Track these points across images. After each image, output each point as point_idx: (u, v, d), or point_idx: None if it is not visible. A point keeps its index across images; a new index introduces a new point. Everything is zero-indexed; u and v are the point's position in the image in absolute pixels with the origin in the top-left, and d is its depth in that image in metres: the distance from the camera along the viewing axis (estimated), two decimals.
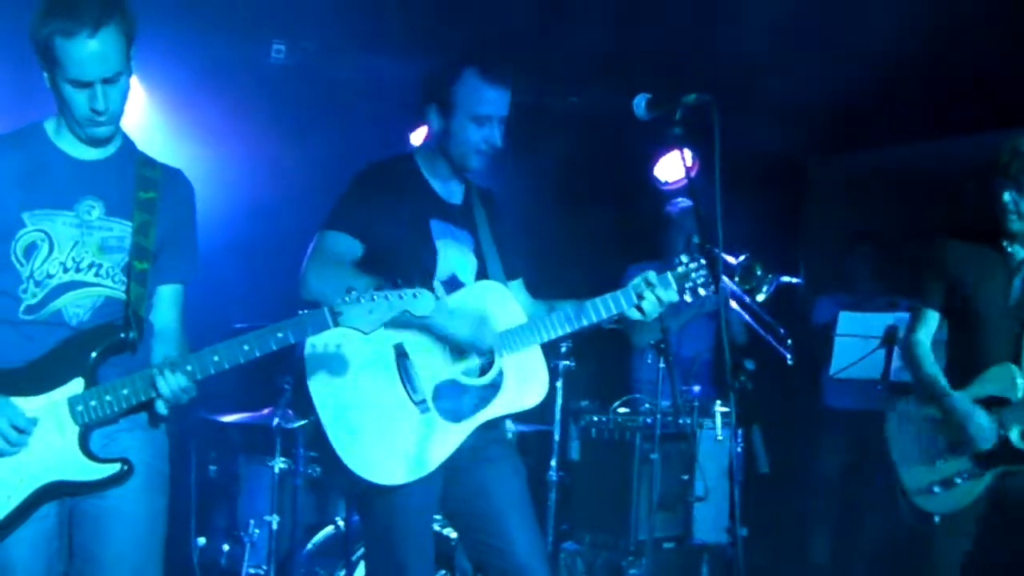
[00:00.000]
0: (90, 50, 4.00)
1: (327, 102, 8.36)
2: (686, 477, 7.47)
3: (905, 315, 7.49)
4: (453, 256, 4.90)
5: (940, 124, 8.70)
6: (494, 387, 4.81)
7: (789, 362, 7.47)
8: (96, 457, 4.12)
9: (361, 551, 6.48)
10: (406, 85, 8.45)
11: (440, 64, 4.90)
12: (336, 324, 4.11)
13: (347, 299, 4.09)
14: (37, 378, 4.11)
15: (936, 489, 5.58)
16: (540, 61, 7.34)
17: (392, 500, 4.65)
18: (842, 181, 10.14)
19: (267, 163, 8.15)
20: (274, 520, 6.89)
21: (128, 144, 4.41)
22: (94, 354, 4.12)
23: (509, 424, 5.11)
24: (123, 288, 4.23)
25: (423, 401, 4.68)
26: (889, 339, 7.38)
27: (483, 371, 4.82)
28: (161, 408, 4.13)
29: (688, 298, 4.87)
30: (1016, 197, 5.49)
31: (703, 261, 4.82)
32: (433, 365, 4.74)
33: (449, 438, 4.71)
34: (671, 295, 4.79)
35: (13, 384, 4.09)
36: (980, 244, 5.71)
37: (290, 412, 6.87)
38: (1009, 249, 5.65)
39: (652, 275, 4.79)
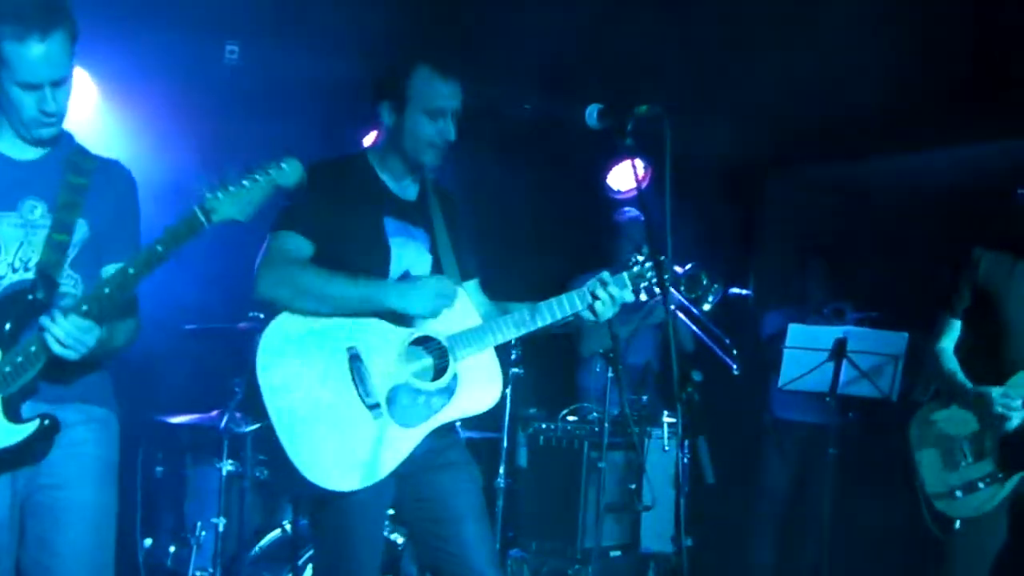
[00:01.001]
0: (40, 53, 4.06)
1: (279, 103, 8.32)
2: (633, 486, 7.48)
3: (854, 328, 7.60)
4: (407, 254, 4.87)
5: (895, 138, 8.73)
6: (448, 391, 4.75)
7: (735, 372, 7.49)
8: (20, 419, 4.11)
9: (308, 555, 6.49)
10: (359, 87, 8.48)
11: (391, 61, 4.90)
12: (210, 221, 4.05)
13: (216, 192, 4.03)
14: None
15: (958, 494, 5.59)
16: (492, 65, 7.31)
17: (343, 506, 4.61)
18: (794, 193, 10.18)
19: (219, 163, 8.11)
20: (221, 522, 6.86)
21: (65, 139, 4.44)
22: (10, 321, 4.10)
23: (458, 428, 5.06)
24: (71, 283, 4.28)
25: (376, 405, 4.63)
26: (838, 352, 7.42)
27: (437, 374, 4.76)
28: (66, 354, 4.05)
29: (643, 297, 4.87)
30: None
31: (661, 259, 4.75)
32: (386, 368, 4.68)
33: (402, 443, 4.66)
34: (626, 294, 4.80)
35: None
36: (1012, 254, 5.75)
37: (240, 416, 6.85)
38: None
39: (606, 274, 4.80)
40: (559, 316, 4.81)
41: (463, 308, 4.88)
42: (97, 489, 4.33)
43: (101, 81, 7.71)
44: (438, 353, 4.77)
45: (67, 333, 4.01)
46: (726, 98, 8.16)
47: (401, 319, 4.70)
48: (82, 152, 4.44)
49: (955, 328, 5.88)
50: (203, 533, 6.90)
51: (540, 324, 4.81)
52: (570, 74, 7.91)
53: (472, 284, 5.12)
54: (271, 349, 4.61)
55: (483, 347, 4.81)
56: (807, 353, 7.55)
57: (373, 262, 4.75)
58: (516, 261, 8.39)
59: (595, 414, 7.82)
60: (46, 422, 4.12)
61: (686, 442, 6.96)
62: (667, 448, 7.59)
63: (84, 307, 4.03)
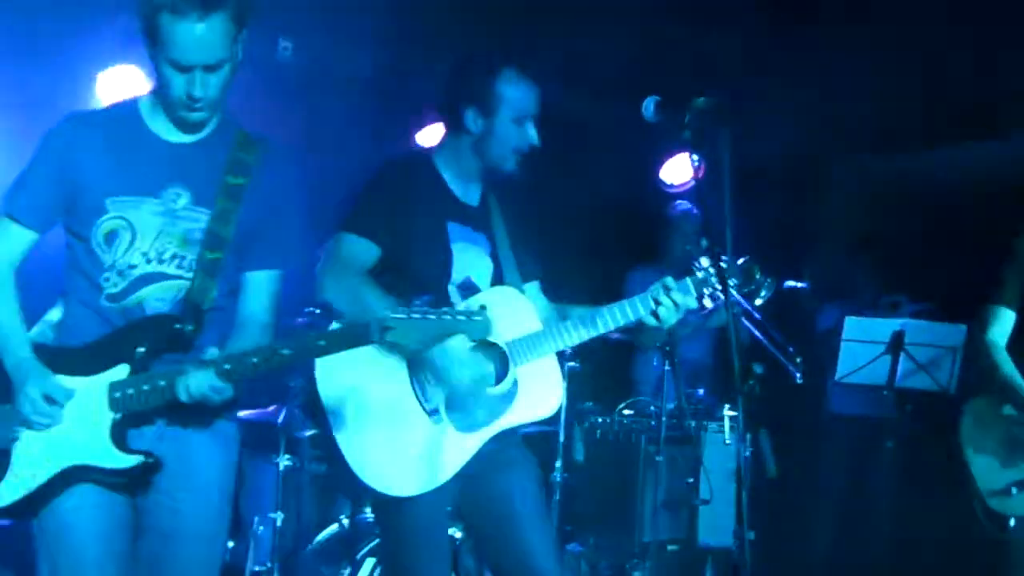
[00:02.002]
0: (195, 34, 3.82)
1: (334, 99, 8.35)
2: (691, 480, 7.45)
3: (911, 320, 7.55)
4: (469, 259, 4.81)
5: (950, 132, 8.68)
6: (508, 396, 4.69)
7: (798, 380, 7.44)
8: (126, 447, 3.99)
9: (366, 549, 6.50)
10: (412, 83, 8.53)
11: (476, 65, 4.77)
12: (383, 340, 3.87)
13: (400, 314, 3.82)
14: (89, 359, 4.01)
15: (1014, 491, 5.46)
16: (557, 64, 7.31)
17: (405, 511, 4.58)
18: (850, 186, 10.11)
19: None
20: (278, 517, 6.90)
21: (226, 124, 4.20)
22: (146, 345, 3.99)
23: None
24: (203, 280, 4.10)
25: (435, 411, 4.58)
26: (895, 345, 7.38)
27: (498, 380, 4.68)
28: (185, 399, 3.94)
29: (708, 304, 4.79)
30: None
31: (723, 265, 4.68)
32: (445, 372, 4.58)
33: (462, 449, 4.62)
34: (689, 301, 4.72)
35: (65, 362, 4.02)
36: None
37: (298, 414, 6.87)
38: None
39: (670, 280, 4.71)
40: (621, 322, 4.73)
41: (523, 312, 4.83)
42: (213, 505, 4.22)
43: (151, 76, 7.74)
44: (499, 359, 4.69)
45: (199, 389, 3.90)
46: (780, 91, 8.11)
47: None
48: (245, 141, 4.20)
49: (1006, 317, 5.67)
50: (260, 528, 6.95)
51: (602, 330, 4.73)
52: (623, 71, 7.89)
53: (533, 286, 5.06)
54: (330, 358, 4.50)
55: (544, 352, 4.75)
56: (864, 346, 7.51)
57: (434, 267, 4.70)
58: (567, 256, 8.39)
59: (652, 408, 7.80)
60: (149, 460, 4.01)
61: (747, 435, 6.99)
62: (728, 442, 7.53)
63: (226, 366, 3.90)
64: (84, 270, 4.08)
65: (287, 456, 6.95)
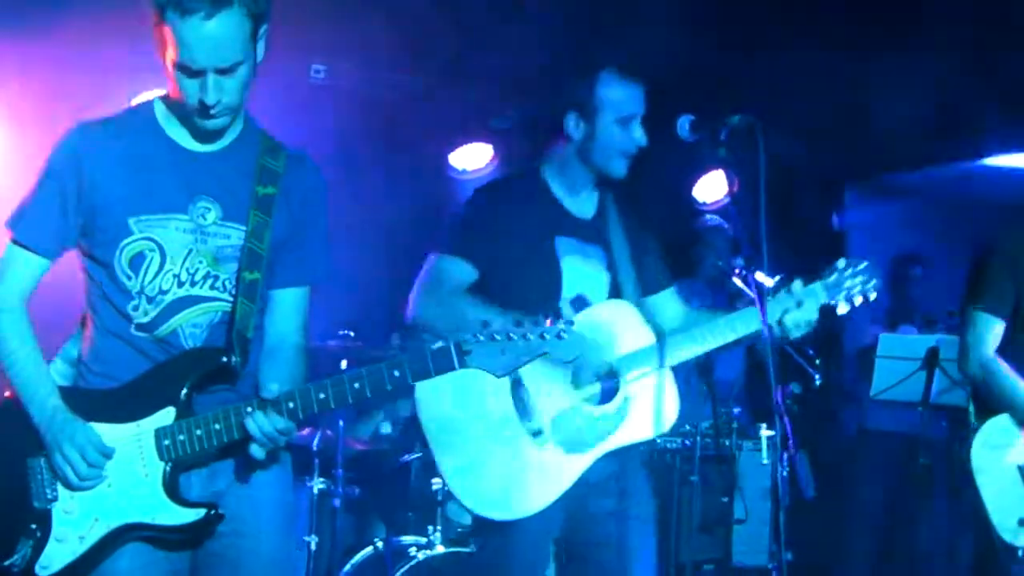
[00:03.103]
0: (205, 34, 3.43)
1: (367, 122, 8.37)
2: (726, 499, 7.42)
3: (946, 336, 7.50)
4: (581, 274, 4.65)
5: (985, 144, 8.65)
6: (619, 415, 4.52)
7: (817, 382, 7.39)
8: (182, 499, 3.61)
9: (400, 572, 6.49)
10: (444, 106, 8.55)
11: (575, 71, 4.73)
12: (463, 365, 3.54)
13: (480, 336, 3.53)
14: (128, 403, 3.62)
15: None
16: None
17: (503, 534, 4.44)
18: (882, 202, 10.09)
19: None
20: (312, 541, 6.89)
21: (249, 129, 3.83)
22: (189, 381, 3.62)
23: None
24: (245, 305, 3.73)
25: (539, 432, 4.44)
26: (930, 361, 7.33)
27: (606, 397, 4.54)
28: (256, 451, 3.60)
29: (844, 308, 4.64)
30: None
31: (860, 267, 4.65)
32: (552, 392, 4.48)
33: (567, 470, 4.45)
34: (812, 309, 4.58)
35: (102, 407, 3.63)
36: None
37: (331, 434, 6.87)
38: None
39: (797, 284, 4.60)
40: (741, 333, 4.59)
41: (635, 327, 4.65)
42: (276, 537, 3.85)
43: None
44: (608, 376, 4.56)
45: (264, 432, 3.56)
46: (808, 108, 8.10)
47: None
48: (271, 147, 3.84)
49: (994, 328, 5.30)
50: (295, 552, 6.92)
51: (719, 342, 4.58)
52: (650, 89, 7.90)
53: (664, 295, 4.89)
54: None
55: (655, 367, 4.58)
56: (899, 362, 7.45)
57: (541, 285, 4.56)
58: None
59: (687, 427, 7.76)
60: (212, 512, 3.62)
61: (784, 455, 6.93)
62: (765, 462, 7.49)
63: (290, 404, 3.55)
64: (109, 298, 3.68)
65: (321, 479, 6.94)
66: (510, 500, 4.40)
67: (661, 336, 4.65)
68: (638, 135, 4.63)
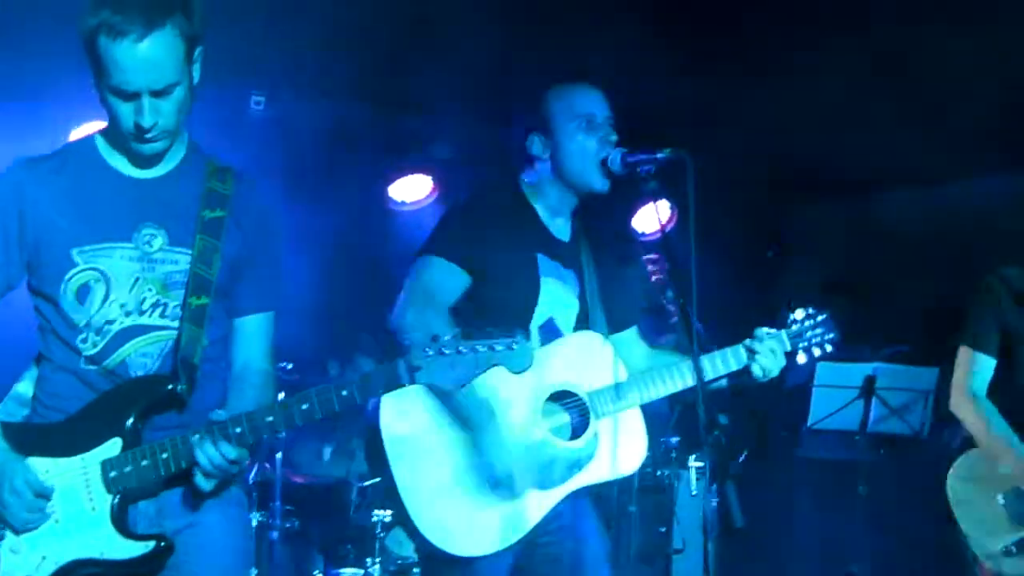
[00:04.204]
0: (137, 56, 3.36)
1: (308, 152, 8.36)
2: (663, 529, 7.45)
3: (883, 364, 7.55)
4: (556, 297, 4.51)
5: (918, 172, 8.73)
6: (588, 451, 4.36)
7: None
8: (130, 532, 3.50)
9: None
10: (386, 134, 8.56)
11: (525, 97, 4.64)
12: (413, 381, 3.45)
13: (428, 351, 3.42)
14: (73, 436, 3.52)
15: (1012, 549, 5.11)
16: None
17: (465, 571, 4.23)
18: (817, 230, 10.16)
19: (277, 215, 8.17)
20: (252, 573, 6.84)
21: (194, 153, 3.75)
22: (135, 411, 3.51)
23: None
24: (191, 331, 3.62)
25: None
26: (867, 389, 7.38)
27: (575, 433, 4.39)
28: (202, 482, 3.49)
29: (802, 359, 4.55)
30: None
31: (820, 318, 4.57)
32: (521, 424, 4.29)
33: (535, 506, 4.28)
34: (781, 352, 4.47)
35: (47, 441, 3.53)
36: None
37: (269, 469, 6.85)
38: None
39: (763, 331, 4.49)
40: (712, 374, 4.44)
41: (607, 361, 4.48)
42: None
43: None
44: (578, 410, 4.41)
45: (212, 461, 3.45)
46: (742, 137, 8.16)
47: (538, 373, 4.28)
48: (219, 171, 3.75)
49: (985, 366, 5.31)
50: None
51: (692, 381, 4.28)
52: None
53: (628, 334, 4.74)
54: (395, 398, 4.20)
55: (627, 405, 4.44)
56: (836, 391, 7.50)
57: (520, 299, 4.40)
58: None
59: None
60: (161, 544, 3.51)
61: (714, 486, 6.96)
62: (694, 493, 7.53)
63: (236, 430, 3.45)
64: (58, 332, 3.61)
65: (259, 512, 6.91)
66: (475, 535, 4.21)
67: (646, 368, 4.56)
68: (605, 133, 4.48)
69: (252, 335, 3.81)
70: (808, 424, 7.61)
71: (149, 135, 3.50)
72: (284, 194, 8.08)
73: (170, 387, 3.56)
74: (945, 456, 5.49)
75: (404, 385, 3.48)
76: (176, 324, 3.61)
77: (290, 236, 7.71)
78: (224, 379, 3.77)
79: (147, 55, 3.38)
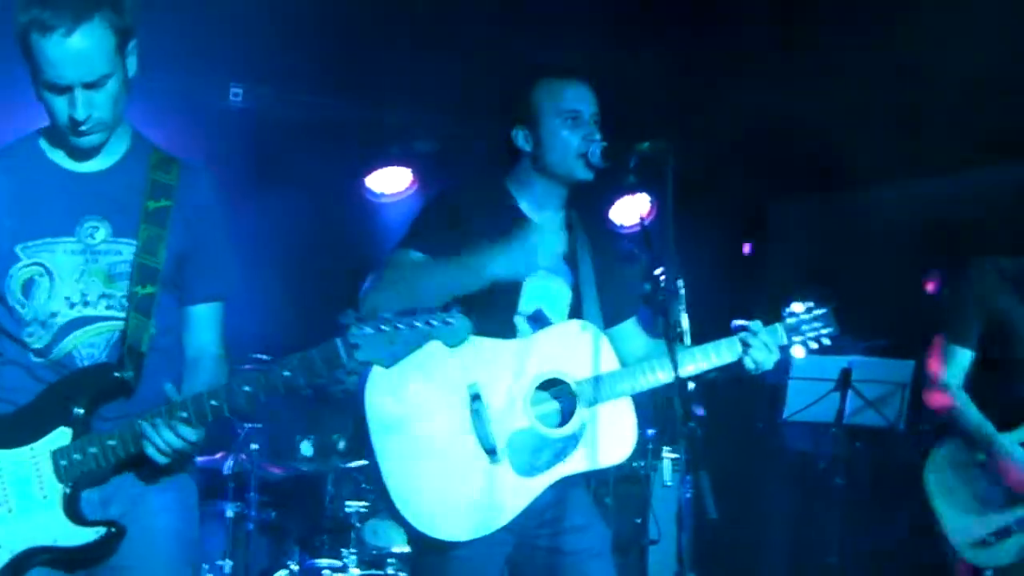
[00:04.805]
0: (67, 49, 3.42)
1: (285, 145, 8.36)
2: (639, 520, 7.46)
3: (858, 357, 7.57)
4: (542, 289, 4.47)
5: (900, 167, 8.76)
6: (574, 440, 4.31)
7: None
8: (82, 519, 3.54)
9: None
10: (362, 128, 8.56)
11: (510, 90, 4.60)
12: (352, 359, 3.45)
13: (366, 328, 3.43)
14: (22, 426, 3.56)
15: (991, 540, 5.10)
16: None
17: (448, 557, 4.19)
18: (797, 225, 10.19)
19: (226, 205, 8.16)
20: (227, 565, 6.86)
21: (139, 144, 3.79)
22: (84, 400, 3.55)
23: None
24: (137, 320, 3.65)
25: (494, 450, 4.21)
26: (843, 382, 7.39)
27: (564, 420, 4.35)
28: (155, 455, 3.50)
29: (800, 352, 4.57)
30: None
31: (820, 312, 4.57)
32: (509, 410, 4.27)
33: (520, 493, 4.23)
34: (774, 347, 4.46)
35: None
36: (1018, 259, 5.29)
37: (245, 460, 6.85)
38: None
39: (757, 324, 4.46)
40: (705, 366, 4.45)
41: (600, 351, 4.44)
42: (176, 562, 3.73)
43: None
44: (567, 398, 4.36)
45: (167, 444, 3.48)
46: (724, 131, 8.17)
47: (528, 360, 4.32)
48: (163, 161, 3.79)
49: (962, 358, 5.28)
50: None
51: (683, 373, 4.30)
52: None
53: (627, 325, 4.70)
54: (382, 381, 4.19)
55: (618, 394, 4.40)
56: (812, 383, 7.51)
57: (501, 295, 4.31)
58: None
59: None
60: (112, 530, 3.55)
61: (688, 477, 6.96)
62: (669, 483, 7.54)
63: (182, 414, 3.48)
64: (5, 328, 3.66)
65: (235, 503, 6.91)
66: (458, 520, 4.16)
67: (645, 358, 4.51)
68: (588, 131, 4.45)
69: (203, 323, 3.87)
70: (784, 416, 7.61)
71: (84, 127, 3.54)
72: (261, 185, 8.13)
73: (117, 375, 3.61)
74: (920, 448, 5.50)
75: (344, 364, 3.47)
76: (123, 314, 3.66)
77: (268, 228, 7.79)
78: (174, 368, 3.80)
79: (77, 48, 3.43)
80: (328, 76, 8.00)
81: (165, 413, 3.49)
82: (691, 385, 4.44)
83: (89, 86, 3.47)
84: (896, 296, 8.55)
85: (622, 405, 4.44)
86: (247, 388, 3.51)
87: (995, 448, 5.16)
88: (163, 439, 3.48)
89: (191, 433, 3.50)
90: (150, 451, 3.50)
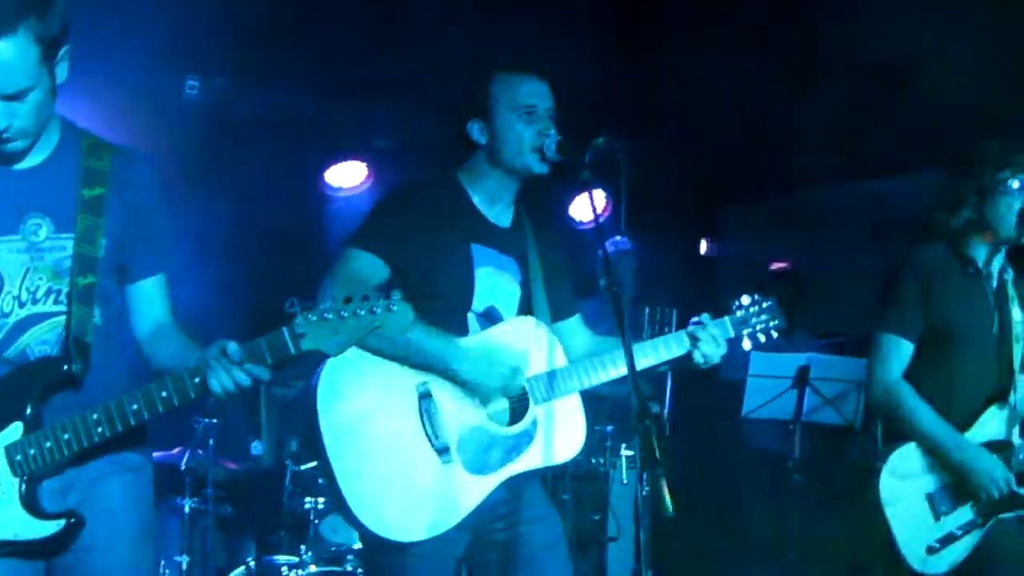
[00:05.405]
0: None
1: (241, 138, 8.33)
2: (598, 517, 7.45)
3: (816, 354, 7.59)
4: (494, 285, 4.47)
5: (853, 165, 8.80)
6: (526, 437, 4.33)
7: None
8: (41, 511, 3.56)
9: None
10: (320, 122, 8.54)
11: (467, 83, 4.60)
12: (298, 348, 3.47)
13: (311, 317, 3.46)
14: None
15: (935, 546, 5.02)
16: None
17: (402, 557, 4.18)
18: (752, 223, 10.22)
19: (181, 199, 8.13)
20: (184, 561, 6.83)
21: (69, 135, 3.78)
22: (34, 394, 3.56)
23: None
24: (80, 311, 3.66)
25: (445, 449, 4.19)
26: (801, 379, 7.41)
27: (514, 418, 4.35)
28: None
29: (747, 345, 4.57)
30: None
31: (765, 304, 4.58)
32: (460, 409, 4.27)
33: (472, 491, 4.22)
34: (723, 339, 4.46)
35: None
36: (954, 254, 5.20)
37: (202, 455, 6.82)
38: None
39: (706, 317, 4.48)
40: (653, 361, 4.46)
41: (549, 347, 4.46)
42: (129, 551, 3.75)
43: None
44: (517, 396, 4.37)
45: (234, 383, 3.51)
46: (679, 130, 8.20)
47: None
48: (94, 147, 3.78)
49: (904, 351, 5.14)
50: (167, 572, 6.87)
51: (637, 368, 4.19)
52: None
53: (572, 322, 4.73)
54: (333, 382, 4.18)
55: (566, 391, 4.42)
56: (770, 381, 7.52)
57: (455, 290, 4.37)
58: None
59: None
60: (71, 520, 3.57)
61: (644, 475, 6.94)
62: (625, 481, 7.53)
63: (133, 406, 3.51)
64: None
65: (192, 499, 6.88)
66: (411, 520, 4.15)
67: (590, 355, 4.52)
68: (544, 126, 4.43)
69: (150, 297, 3.87)
70: (742, 413, 7.63)
71: (5, 135, 3.53)
72: (218, 178, 8.10)
73: (65, 368, 3.60)
74: (875, 447, 5.41)
75: (292, 353, 3.49)
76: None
77: (225, 222, 7.75)
78: (125, 354, 3.84)
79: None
80: (285, 70, 7.98)
81: (114, 407, 3.51)
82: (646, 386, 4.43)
83: (9, 98, 3.47)
84: (852, 294, 8.58)
85: (571, 402, 4.45)
86: (196, 379, 3.51)
87: (951, 448, 5.07)
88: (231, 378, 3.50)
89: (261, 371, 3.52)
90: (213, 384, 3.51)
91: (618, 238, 8.43)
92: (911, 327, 5.15)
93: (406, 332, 3.68)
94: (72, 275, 3.66)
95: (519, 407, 4.35)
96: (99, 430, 3.54)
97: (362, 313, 3.49)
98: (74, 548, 3.64)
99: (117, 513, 3.74)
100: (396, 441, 4.20)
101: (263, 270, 8.18)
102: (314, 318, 3.47)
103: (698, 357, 4.46)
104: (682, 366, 4.54)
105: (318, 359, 4.00)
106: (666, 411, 7.34)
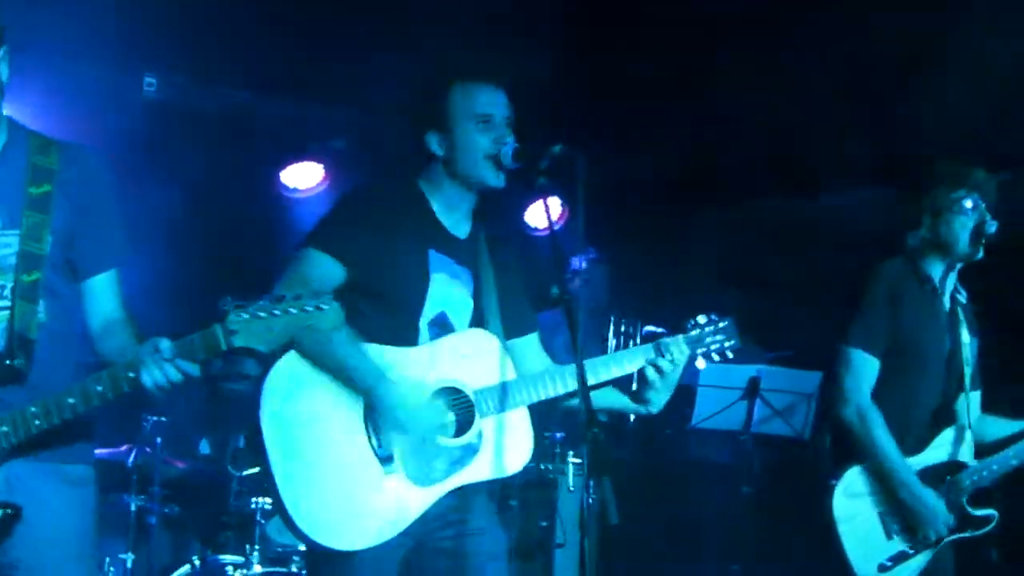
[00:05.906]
0: None
1: (198, 136, 8.30)
2: (546, 524, 7.45)
3: (767, 366, 7.62)
4: (446, 293, 4.44)
5: (811, 177, 8.83)
6: (471, 449, 4.28)
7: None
8: None
9: None
10: (277, 121, 8.53)
11: (422, 92, 4.59)
12: (230, 345, 3.49)
13: (243, 315, 3.47)
14: None
15: (888, 563, 5.13)
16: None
17: (344, 567, 4.13)
18: (716, 231, 10.22)
19: (137, 197, 8.09)
20: (129, 558, 6.81)
21: (16, 134, 3.83)
22: None
23: None
24: (24, 307, 3.69)
25: (389, 458, 4.16)
26: (751, 390, 7.44)
27: (460, 430, 4.29)
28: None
29: (701, 364, 4.53)
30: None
31: (721, 324, 4.54)
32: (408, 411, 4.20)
33: (415, 502, 4.19)
34: (680, 359, 4.45)
35: None
36: (912, 271, 5.32)
37: (149, 451, 6.79)
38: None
39: (665, 339, 4.45)
40: (606, 376, 4.45)
41: (497, 361, 4.41)
42: (68, 568, 3.76)
43: (12, 113, 7.63)
44: (464, 407, 4.32)
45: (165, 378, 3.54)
46: (652, 134, 8.21)
47: (425, 368, 4.28)
48: (41, 145, 3.82)
49: (870, 368, 5.24)
50: (111, 570, 6.84)
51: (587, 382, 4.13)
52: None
53: (529, 339, 4.68)
54: (277, 389, 4.15)
55: (515, 404, 4.37)
56: (720, 391, 7.55)
57: (410, 293, 4.34)
58: None
59: None
60: (9, 511, 3.58)
61: (591, 482, 6.91)
62: (572, 488, 7.53)
63: (70, 400, 3.54)
64: None
65: (139, 497, 6.85)
66: (352, 529, 4.11)
67: (523, 373, 4.49)
68: (500, 135, 4.39)
69: (101, 293, 3.91)
70: (692, 423, 7.65)
71: None
72: (174, 176, 8.08)
73: (7, 363, 3.64)
74: (823, 461, 5.46)
75: (224, 349, 3.51)
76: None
77: (179, 218, 7.72)
78: (71, 350, 3.87)
79: None
80: (244, 69, 7.95)
81: (53, 403, 3.55)
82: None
83: None
84: (808, 307, 8.61)
85: (519, 414, 4.41)
86: (131, 374, 3.53)
87: (899, 479, 5.17)
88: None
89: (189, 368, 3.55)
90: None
91: (589, 251, 8.45)
92: (877, 343, 5.24)
93: (338, 329, 3.70)
94: (17, 272, 3.68)
95: (465, 419, 4.31)
96: (36, 423, 3.57)
97: (293, 311, 3.52)
98: (3, 565, 3.65)
99: (53, 530, 3.74)
100: (339, 446, 4.17)
101: (216, 268, 8.15)
102: (246, 316, 3.48)
103: (652, 374, 4.45)
104: (626, 409, 4.62)
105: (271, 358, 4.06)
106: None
